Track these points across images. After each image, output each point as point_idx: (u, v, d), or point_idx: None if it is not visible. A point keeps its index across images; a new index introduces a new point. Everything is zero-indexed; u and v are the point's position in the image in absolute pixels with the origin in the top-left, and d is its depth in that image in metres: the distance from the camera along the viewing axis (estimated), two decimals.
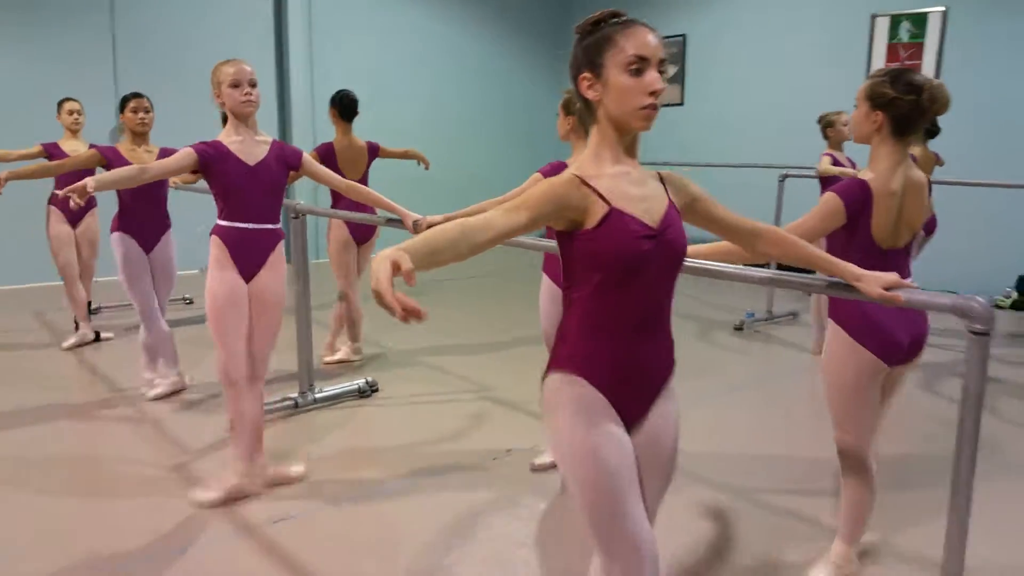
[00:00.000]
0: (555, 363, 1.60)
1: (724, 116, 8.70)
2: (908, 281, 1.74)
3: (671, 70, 1.65)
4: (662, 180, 1.63)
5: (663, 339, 1.64)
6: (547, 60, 10.24)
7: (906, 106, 2.13)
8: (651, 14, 9.44)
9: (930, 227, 5.35)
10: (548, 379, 1.60)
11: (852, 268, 1.77)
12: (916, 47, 7.02)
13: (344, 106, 4.56)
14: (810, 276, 1.88)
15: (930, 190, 2.33)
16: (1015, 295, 6.49)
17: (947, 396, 4.30)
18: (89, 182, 2.68)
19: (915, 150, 5.28)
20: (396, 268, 1.24)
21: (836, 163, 4.95)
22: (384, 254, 1.25)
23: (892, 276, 1.73)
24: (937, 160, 5.41)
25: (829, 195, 2.16)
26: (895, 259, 2.18)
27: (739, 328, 5.80)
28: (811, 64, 7.81)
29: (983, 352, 1.61)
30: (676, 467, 1.70)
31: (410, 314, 1.22)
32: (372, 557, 2.61)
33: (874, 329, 2.20)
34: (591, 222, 1.50)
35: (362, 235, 4.62)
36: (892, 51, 7.19)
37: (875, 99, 2.17)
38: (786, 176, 6.06)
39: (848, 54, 7.55)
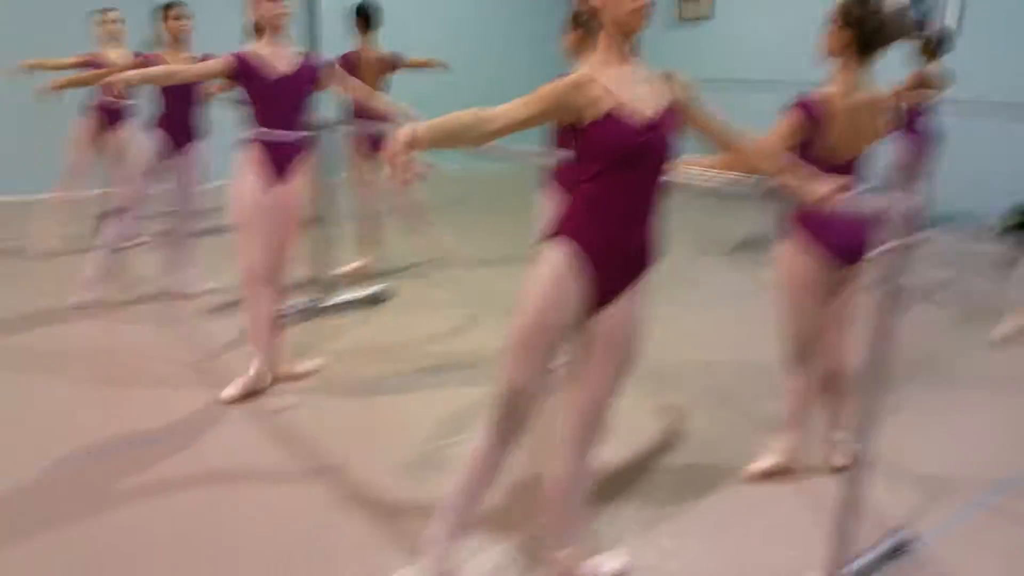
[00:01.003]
0: (560, 228, 1.85)
1: (755, 32, 8.57)
2: (853, 190, 1.97)
3: None
4: (668, 79, 1.86)
5: (651, 230, 1.89)
6: None
7: (869, 26, 2.29)
8: None
9: (925, 146, 5.44)
10: (550, 240, 1.85)
11: (810, 173, 2.02)
12: None
13: (366, 16, 4.67)
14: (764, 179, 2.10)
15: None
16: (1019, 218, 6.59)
17: (911, 314, 4.53)
18: (132, 74, 2.92)
19: (932, 67, 5.31)
20: (411, 139, 1.53)
21: None
22: (402, 129, 1.54)
23: (842, 181, 1.97)
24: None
25: (792, 110, 2.35)
26: (845, 170, 2.37)
27: (735, 249, 6.02)
28: None
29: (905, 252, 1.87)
30: (636, 351, 1.95)
31: (410, 174, 1.52)
32: (374, 441, 2.98)
33: (824, 231, 2.42)
34: (597, 114, 1.75)
35: (379, 146, 4.81)
36: None
37: (846, 18, 2.31)
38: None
39: None
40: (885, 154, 5.84)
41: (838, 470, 2.56)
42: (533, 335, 1.85)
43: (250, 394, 3.28)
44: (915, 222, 1.87)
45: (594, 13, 1.80)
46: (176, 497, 2.56)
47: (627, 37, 1.79)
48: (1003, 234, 6.65)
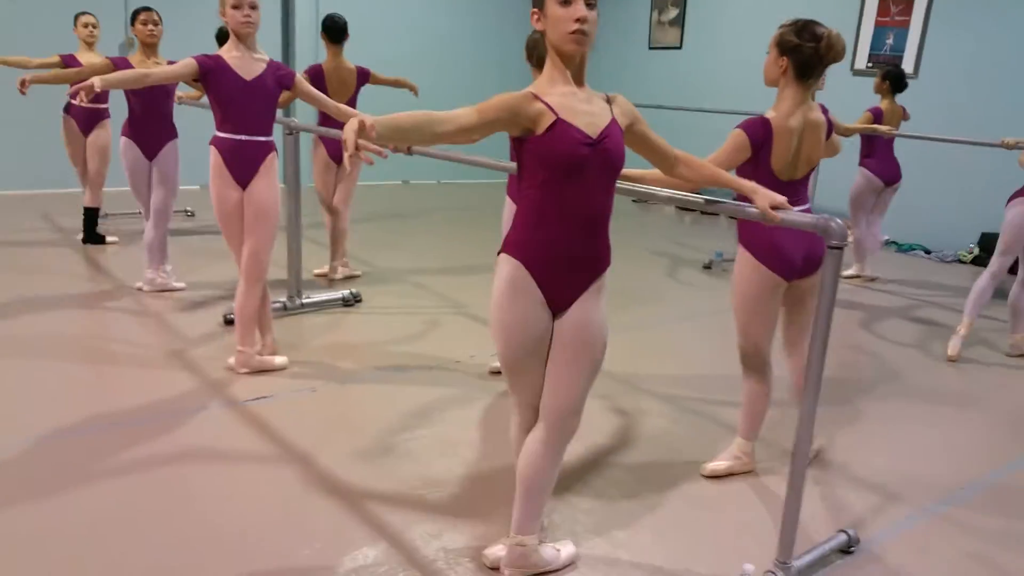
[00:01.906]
0: (504, 246, 1.97)
1: (722, 61, 8.86)
2: (800, 207, 2.06)
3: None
4: (609, 101, 1.96)
5: (598, 239, 1.96)
6: None
7: (807, 52, 2.43)
8: None
9: (893, 177, 5.63)
10: (498, 258, 1.98)
11: (751, 184, 2.10)
12: (907, 3, 7.16)
13: (330, 29, 4.75)
14: (713, 196, 2.20)
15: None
16: (977, 251, 6.80)
17: (877, 333, 4.68)
18: (96, 80, 2.98)
19: (883, 103, 5.55)
20: (362, 126, 1.61)
21: None
22: (354, 117, 1.62)
23: (781, 197, 2.05)
24: (904, 114, 5.66)
25: (736, 131, 2.47)
26: (792, 188, 2.50)
27: (707, 267, 6.14)
28: (806, 14, 7.93)
29: (837, 263, 1.95)
30: (598, 355, 2.01)
31: (367, 150, 1.61)
32: (340, 431, 3.02)
33: (773, 249, 2.53)
34: (540, 129, 1.84)
35: (340, 154, 4.88)
36: (884, 6, 7.33)
37: (782, 46, 2.46)
38: None
39: (842, 7, 7.69)
40: (843, 185, 6.08)
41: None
42: (511, 354, 1.98)
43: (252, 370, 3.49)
44: (843, 234, 1.95)
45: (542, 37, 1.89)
46: (151, 476, 2.59)
47: (567, 59, 1.87)
48: (969, 262, 6.85)
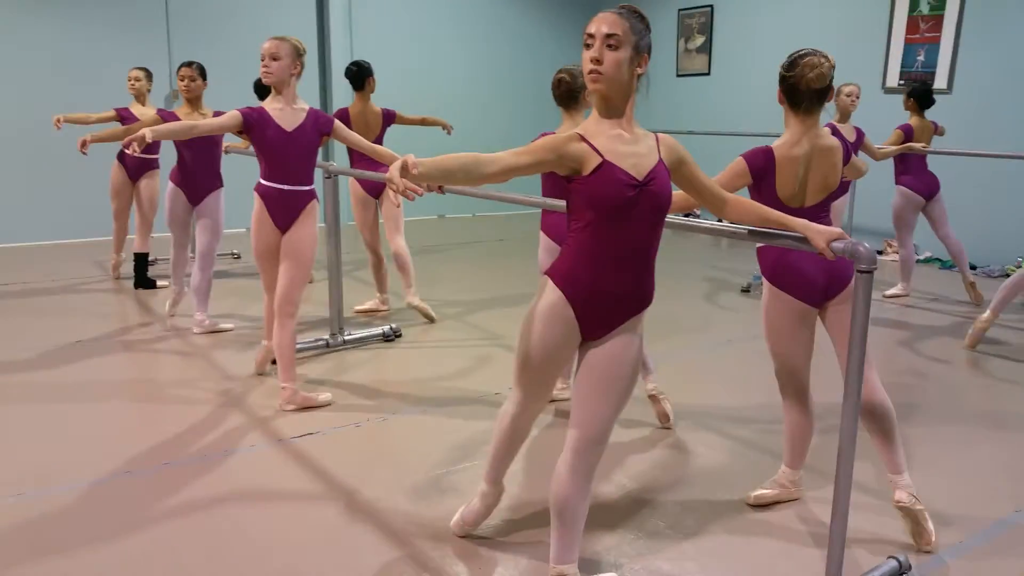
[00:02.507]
0: (550, 271, 2.04)
1: (749, 86, 8.89)
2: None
3: (624, 43, 1.95)
4: (658, 141, 2.01)
5: (642, 277, 2.01)
6: (577, 29, 10.47)
7: (790, 82, 2.47)
8: None
9: (932, 190, 5.57)
10: (544, 278, 2.04)
11: (803, 222, 2.10)
12: (936, 19, 7.12)
13: (350, 76, 4.98)
14: (763, 229, 2.18)
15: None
16: None
17: (928, 355, 4.60)
18: (147, 132, 3.12)
19: (912, 120, 5.52)
20: (406, 168, 1.69)
21: (835, 133, 5.19)
22: (399, 159, 1.70)
23: (836, 231, 2.04)
24: (936, 129, 5.62)
25: (738, 158, 2.50)
26: (806, 216, 2.43)
27: (746, 290, 6.12)
28: (833, 36, 7.94)
29: (868, 287, 1.95)
30: (627, 387, 2.04)
31: (410, 191, 1.69)
32: (384, 465, 3.07)
33: (788, 274, 2.53)
34: (587, 170, 1.90)
35: (375, 190, 5.00)
36: (912, 23, 7.30)
37: (779, 79, 2.51)
38: None
39: (870, 26, 7.68)
40: (881, 204, 6.02)
41: (902, 508, 2.54)
42: (528, 363, 2.08)
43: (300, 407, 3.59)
44: (872, 258, 1.95)
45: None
46: (201, 514, 2.66)
47: (598, 97, 1.94)
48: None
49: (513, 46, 10.19)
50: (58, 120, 5.30)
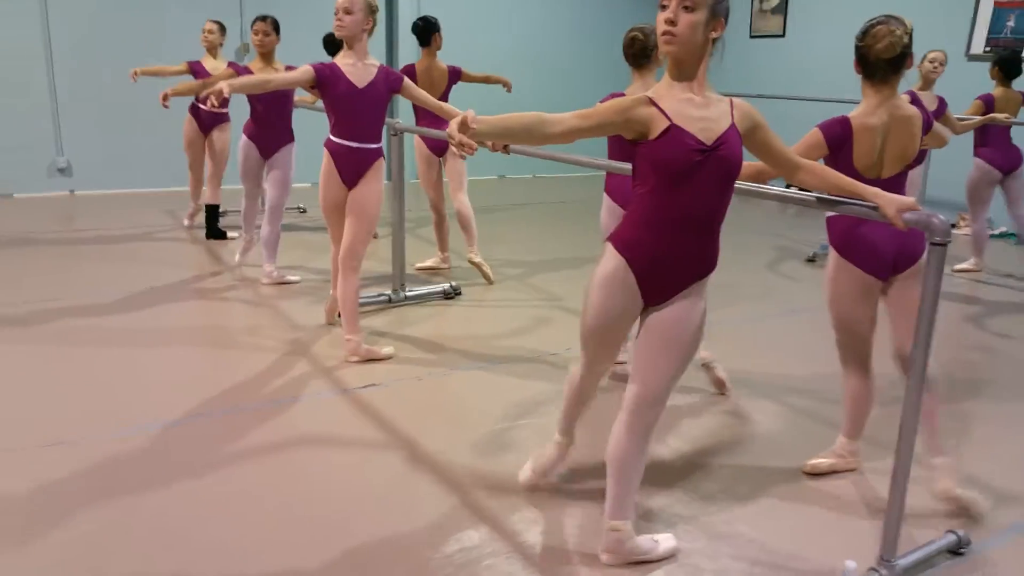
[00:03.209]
0: (611, 237, 2.05)
1: (825, 49, 8.58)
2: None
3: (701, 5, 1.90)
4: (732, 106, 1.98)
5: (707, 243, 2.00)
6: None
7: (860, 52, 2.42)
8: None
9: (1012, 164, 5.34)
10: (606, 244, 2.06)
11: (874, 190, 2.08)
12: None
13: (417, 32, 4.97)
14: (832, 197, 2.17)
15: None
16: None
17: (994, 331, 4.46)
18: (224, 85, 3.19)
19: (996, 90, 5.28)
20: (465, 124, 1.73)
21: (914, 101, 5.00)
22: (459, 114, 1.75)
23: (909, 200, 2.00)
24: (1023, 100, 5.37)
25: (814, 129, 2.45)
26: (883, 186, 2.34)
27: (811, 260, 6.00)
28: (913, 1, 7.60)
29: (941, 259, 1.92)
30: (688, 350, 2.05)
31: (465, 146, 1.74)
32: (442, 419, 3.15)
33: (857, 245, 2.49)
34: (653, 134, 1.90)
35: (440, 148, 5.03)
36: None
37: (854, 48, 2.44)
38: None
39: None
40: (957, 176, 5.79)
41: (945, 497, 2.55)
42: (591, 330, 2.11)
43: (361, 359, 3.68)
44: (946, 229, 1.91)
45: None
46: (268, 458, 2.79)
47: (671, 60, 1.91)
48: None
49: (583, 2, 10.03)
50: (135, 73, 5.46)
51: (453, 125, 1.73)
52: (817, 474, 2.78)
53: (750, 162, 2.32)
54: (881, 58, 2.38)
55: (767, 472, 2.81)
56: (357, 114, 3.46)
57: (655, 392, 2.05)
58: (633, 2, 10.28)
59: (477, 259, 5.05)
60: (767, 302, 4.97)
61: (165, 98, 4.14)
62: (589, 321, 2.10)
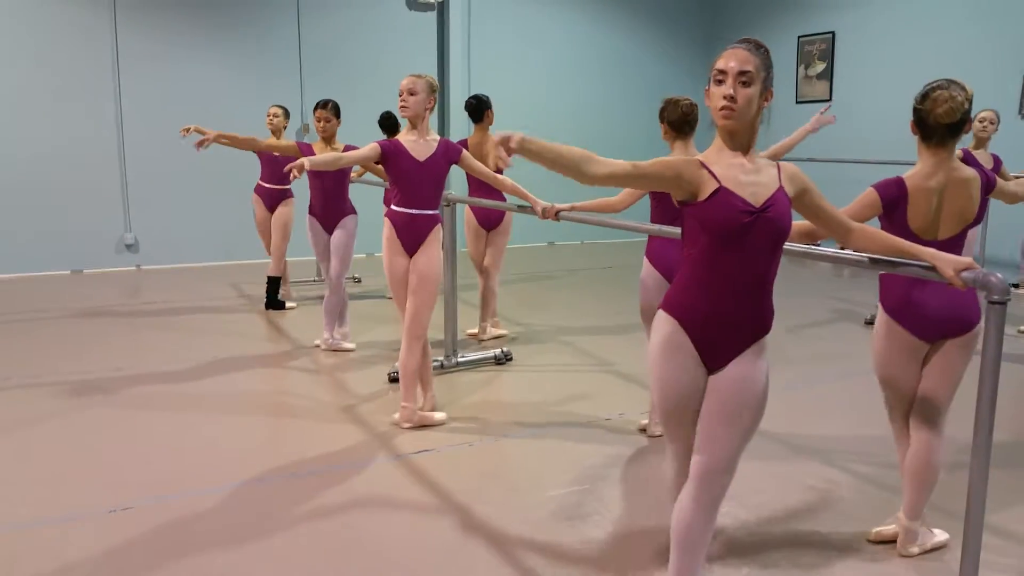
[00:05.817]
0: (664, 303, 2.05)
1: (873, 112, 8.59)
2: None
3: (756, 79, 1.92)
4: (779, 170, 2.01)
5: (759, 304, 1.99)
6: (692, 65, 10.45)
7: (920, 115, 2.41)
8: (799, 11, 9.54)
9: None
10: (657, 312, 2.06)
11: (931, 251, 2.06)
12: None
13: (470, 109, 5.22)
14: (889, 258, 2.15)
15: None
16: None
17: None
18: (306, 161, 3.38)
19: None
20: (506, 140, 1.81)
21: (968, 159, 4.96)
22: (513, 134, 1.82)
23: (966, 260, 1.99)
24: None
25: (869, 189, 2.45)
26: (940, 248, 2.29)
27: (869, 322, 5.89)
28: (965, 59, 7.60)
29: (1000, 319, 1.88)
30: (753, 416, 2.00)
31: (500, 159, 1.83)
32: (496, 484, 3.15)
33: (907, 307, 2.45)
34: (703, 195, 1.92)
35: (488, 222, 5.22)
36: None
37: (912, 110, 2.45)
38: None
39: (1005, 48, 7.30)
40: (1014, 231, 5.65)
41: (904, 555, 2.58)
42: (664, 406, 2.05)
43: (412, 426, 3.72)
44: (1004, 288, 1.87)
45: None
46: (325, 523, 2.82)
47: (725, 131, 1.95)
48: None
49: (626, 77, 10.28)
50: (200, 136, 5.54)
51: (503, 134, 1.81)
52: (882, 541, 2.69)
53: (799, 222, 2.33)
54: (940, 123, 2.38)
55: (831, 540, 2.72)
56: (417, 185, 3.61)
57: (722, 461, 2.00)
58: (675, 74, 10.49)
59: (486, 336, 5.34)
60: (822, 365, 4.87)
61: (207, 139, 4.54)
62: (661, 396, 2.04)
